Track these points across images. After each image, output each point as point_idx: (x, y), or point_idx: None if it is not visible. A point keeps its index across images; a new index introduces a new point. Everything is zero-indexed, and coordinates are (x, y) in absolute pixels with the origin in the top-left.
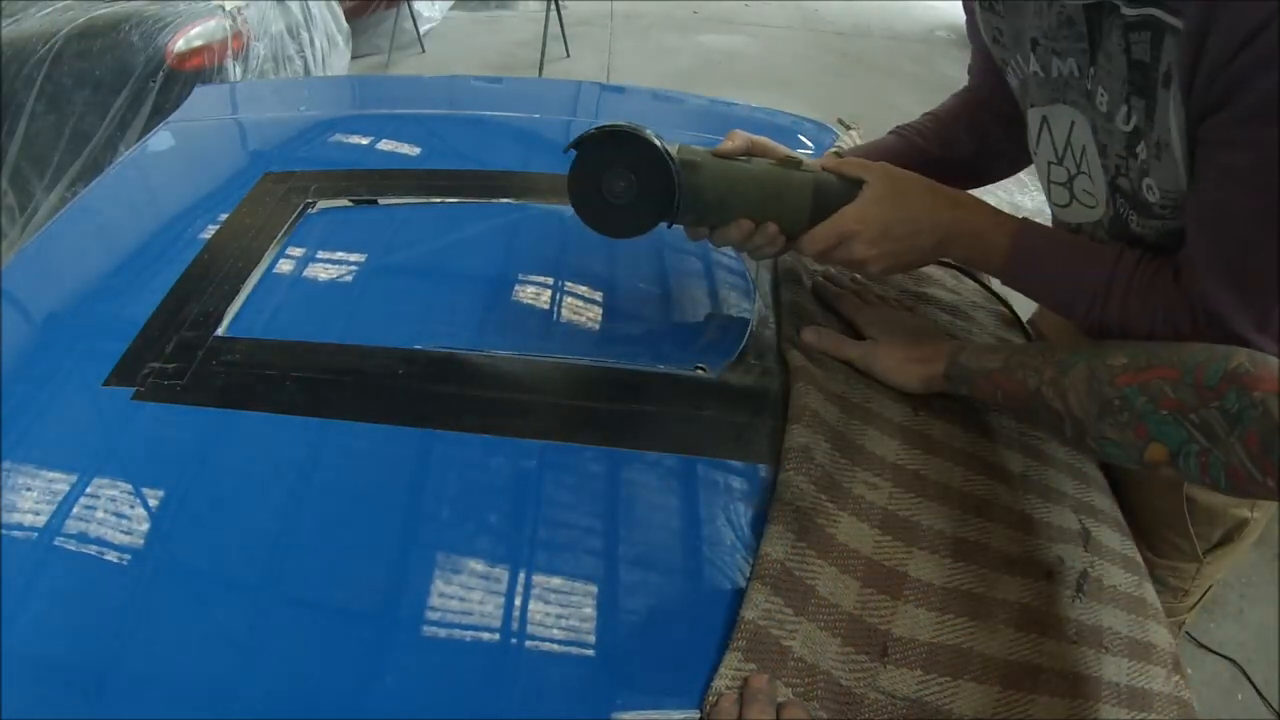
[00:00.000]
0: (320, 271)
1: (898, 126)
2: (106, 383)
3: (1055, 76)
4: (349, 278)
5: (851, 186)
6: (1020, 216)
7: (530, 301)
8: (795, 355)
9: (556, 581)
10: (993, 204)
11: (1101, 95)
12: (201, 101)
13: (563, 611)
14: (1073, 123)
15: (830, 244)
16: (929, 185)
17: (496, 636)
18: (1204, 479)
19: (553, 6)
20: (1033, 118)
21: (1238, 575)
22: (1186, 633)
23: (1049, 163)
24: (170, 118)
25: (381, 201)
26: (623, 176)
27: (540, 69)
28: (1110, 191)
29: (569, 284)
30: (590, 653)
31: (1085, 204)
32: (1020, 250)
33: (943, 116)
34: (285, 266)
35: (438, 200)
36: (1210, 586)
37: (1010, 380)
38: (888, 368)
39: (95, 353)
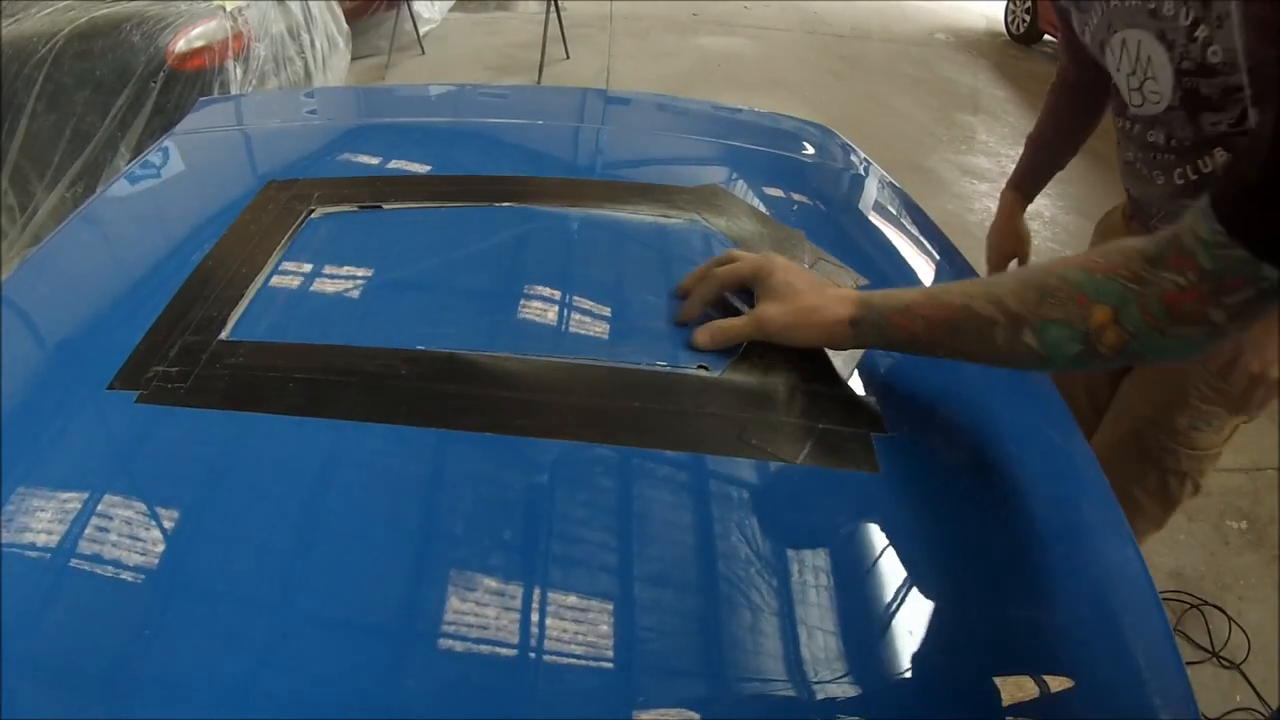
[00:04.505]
0: (323, 275)
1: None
2: (111, 386)
3: (1128, 5)
4: (351, 281)
5: None
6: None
7: (532, 302)
8: None
9: (561, 578)
10: (994, 204)
11: (1168, 7)
12: (204, 114)
13: (566, 609)
14: (1140, 41)
15: None
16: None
17: (500, 633)
18: (1146, 319)
19: (552, 8)
20: (1115, 43)
21: (1236, 577)
22: (1184, 634)
23: (1127, 75)
24: (173, 130)
25: (385, 207)
26: None
27: (540, 71)
28: (1176, 78)
29: (571, 285)
30: (592, 650)
31: (1152, 101)
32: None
33: (1054, 109)
34: (288, 271)
35: (439, 205)
36: (1237, 425)
37: (932, 304)
38: (783, 325)
39: (100, 357)
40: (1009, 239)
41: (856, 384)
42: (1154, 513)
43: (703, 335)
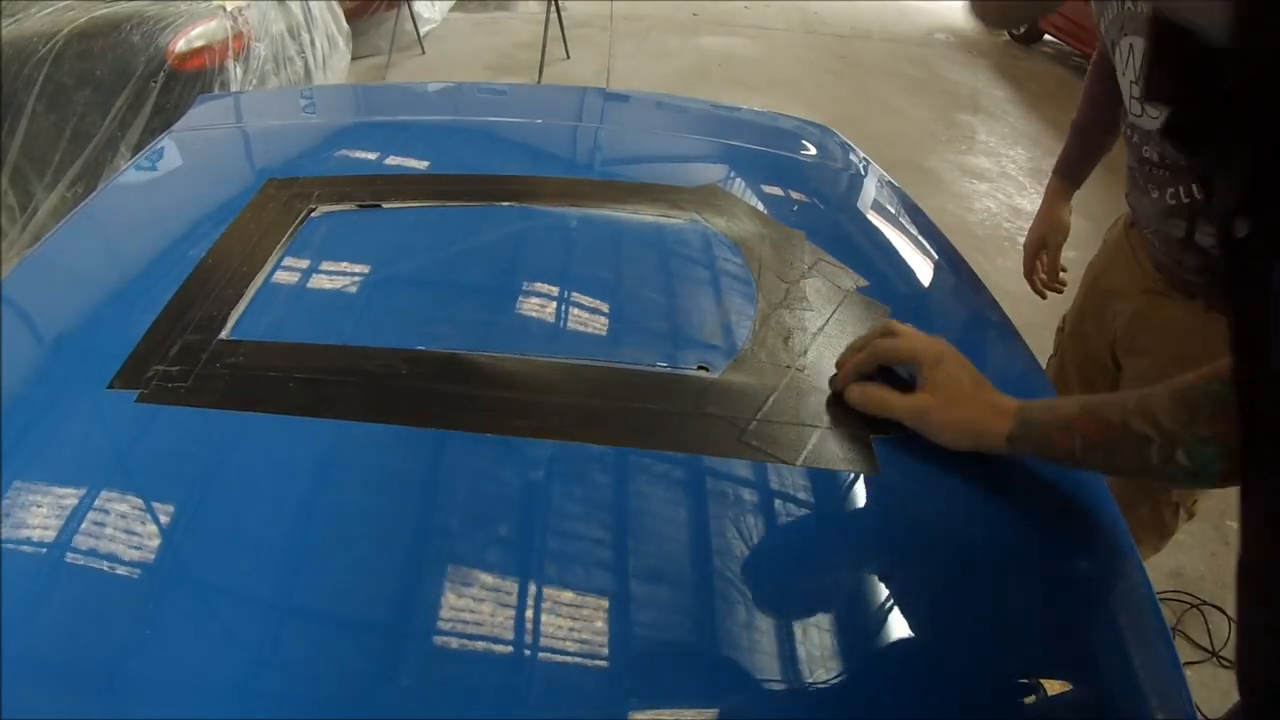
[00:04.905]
0: (323, 275)
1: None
2: (111, 385)
3: (1139, 11)
4: (351, 281)
5: None
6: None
7: (533, 303)
8: None
9: (560, 579)
10: (994, 204)
11: None
12: (203, 111)
13: (566, 609)
14: (1145, 53)
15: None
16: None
17: (500, 632)
18: None
19: (552, 8)
20: (1123, 45)
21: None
22: (1184, 634)
23: (1130, 82)
24: (173, 127)
25: (384, 206)
26: None
27: (540, 71)
28: None
29: (572, 285)
30: (593, 650)
31: (1150, 114)
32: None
33: (1091, 90)
34: (288, 270)
35: (439, 204)
36: None
37: (1093, 421)
38: (941, 428)
39: (100, 356)
40: (1043, 224)
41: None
42: (1150, 540)
43: (858, 394)
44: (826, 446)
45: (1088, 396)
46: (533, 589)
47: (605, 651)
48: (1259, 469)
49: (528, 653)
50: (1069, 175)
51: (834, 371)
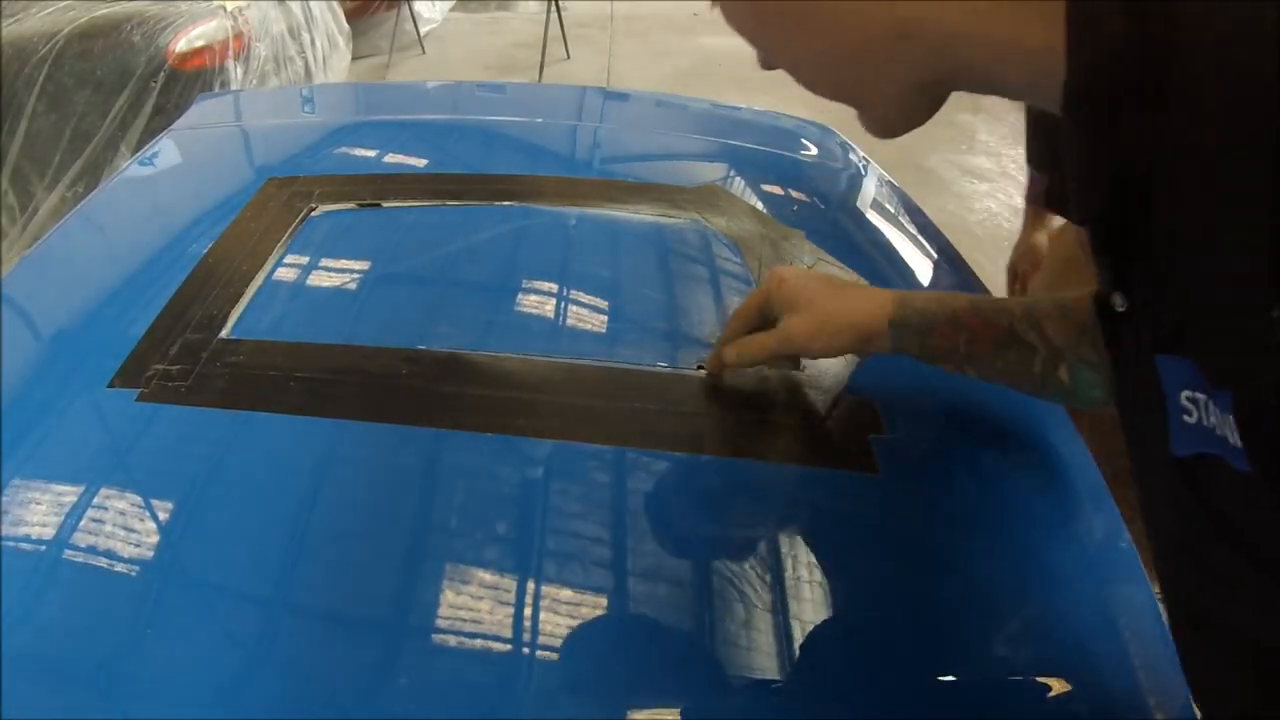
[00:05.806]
0: (323, 274)
1: None
2: (111, 384)
3: None
4: (352, 280)
5: None
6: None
7: (532, 302)
8: None
9: (560, 579)
10: (994, 204)
11: None
12: (203, 109)
13: (567, 606)
14: None
15: None
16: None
17: (499, 631)
18: None
19: (553, 8)
20: None
21: None
22: None
23: None
24: (173, 126)
25: (385, 205)
26: None
27: (540, 71)
28: None
29: (571, 285)
30: (593, 649)
31: None
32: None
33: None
34: (288, 269)
35: (440, 204)
36: None
37: (979, 318)
38: (811, 333)
39: (100, 355)
40: (1015, 253)
41: (855, 385)
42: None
43: (729, 352)
44: (825, 446)
45: (974, 296)
46: (533, 588)
47: (605, 651)
48: (1158, 558)
49: (527, 651)
50: (1037, 201)
51: (832, 372)
